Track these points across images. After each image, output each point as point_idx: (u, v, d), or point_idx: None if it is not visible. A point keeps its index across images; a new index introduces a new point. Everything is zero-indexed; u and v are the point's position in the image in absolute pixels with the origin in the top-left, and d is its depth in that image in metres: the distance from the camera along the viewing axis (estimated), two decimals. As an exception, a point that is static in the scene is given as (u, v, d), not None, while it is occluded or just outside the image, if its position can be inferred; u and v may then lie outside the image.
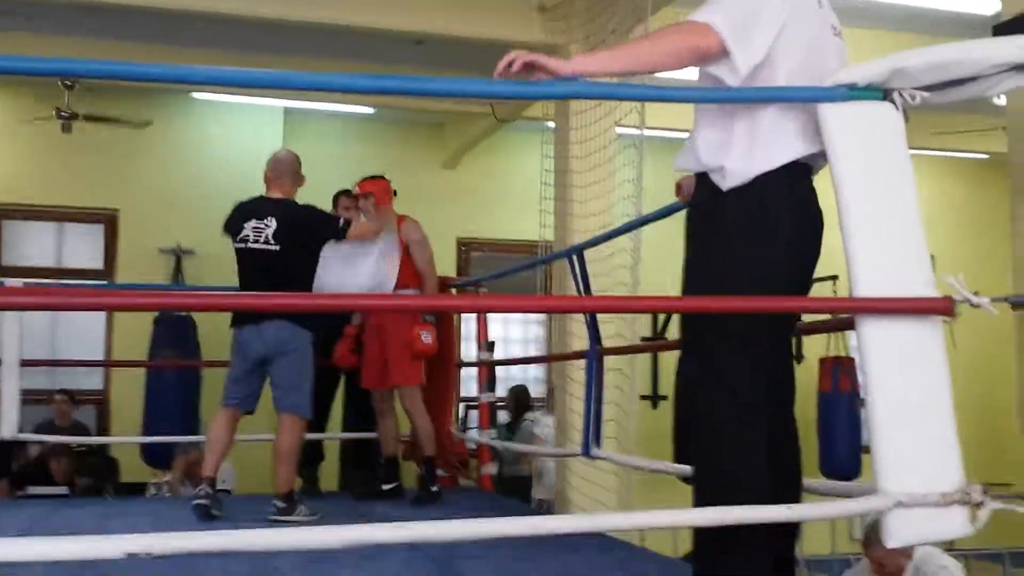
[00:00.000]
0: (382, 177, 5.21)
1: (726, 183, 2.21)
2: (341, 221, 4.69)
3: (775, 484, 2.17)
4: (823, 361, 8.28)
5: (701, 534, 2.23)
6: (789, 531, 2.33)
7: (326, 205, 6.12)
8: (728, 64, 2.15)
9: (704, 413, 2.23)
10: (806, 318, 3.17)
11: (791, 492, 2.27)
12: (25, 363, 5.30)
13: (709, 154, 2.25)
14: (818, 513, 2.24)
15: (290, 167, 4.68)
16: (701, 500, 2.22)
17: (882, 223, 2.11)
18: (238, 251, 4.55)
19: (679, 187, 2.64)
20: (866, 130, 2.14)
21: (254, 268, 4.49)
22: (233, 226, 4.57)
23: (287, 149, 4.79)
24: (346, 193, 5.93)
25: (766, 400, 2.20)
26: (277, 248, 4.44)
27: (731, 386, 2.18)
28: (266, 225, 4.46)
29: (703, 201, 2.29)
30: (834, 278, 8.51)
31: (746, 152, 2.19)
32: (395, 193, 5.20)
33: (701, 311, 2.28)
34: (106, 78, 2.52)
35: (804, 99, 2.19)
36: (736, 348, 2.20)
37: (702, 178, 2.29)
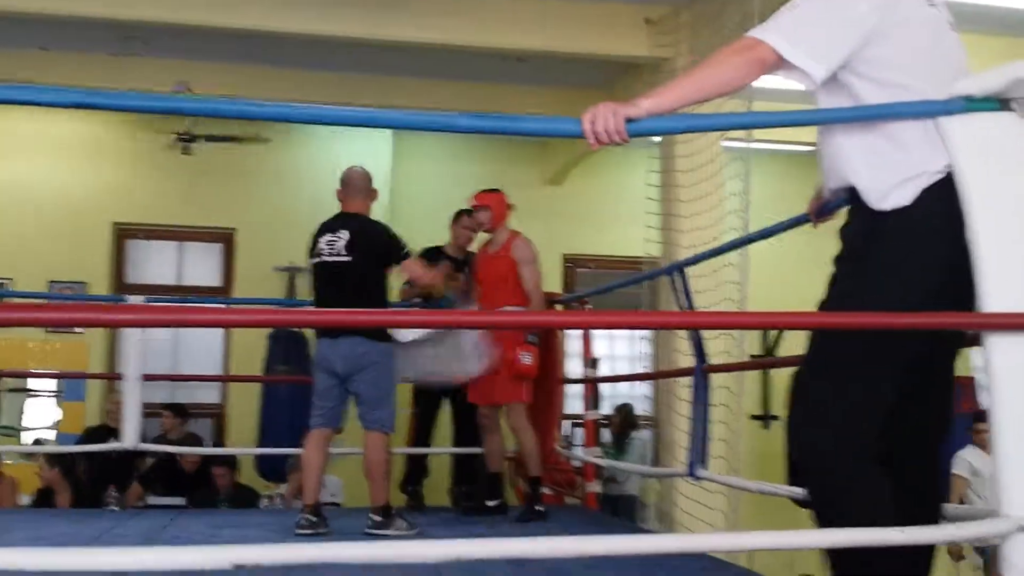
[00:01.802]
0: (499, 190, 5.23)
1: (881, 203, 2.11)
2: (405, 248, 4.65)
3: (907, 514, 2.09)
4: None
5: (838, 570, 2.17)
6: (925, 560, 2.24)
7: (434, 221, 6.21)
8: (798, 71, 2.11)
9: (807, 447, 2.15)
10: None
11: (921, 515, 2.18)
12: (147, 377, 5.50)
13: (854, 169, 2.16)
14: (934, 536, 2.14)
15: (359, 183, 4.73)
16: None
17: (1011, 238, 2.03)
18: (314, 266, 4.62)
19: (814, 201, 2.57)
20: (989, 141, 2.05)
21: (327, 281, 4.54)
22: (312, 244, 4.66)
23: (358, 166, 4.84)
24: (468, 212, 5.99)
25: (878, 429, 2.11)
26: (349, 259, 4.49)
27: (839, 417, 2.10)
28: (339, 238, 4.53)
29: (854, 221, 2.20)
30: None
31: (895, 164, 2.10)
32: (511, 207, 5.22)
33: (811, 327, 2.21)
34: (227, 116, 2.62)
35: (918, 115, 2.10)
36: (843, 369, 2.12)
37: (853, 193, 2.20)
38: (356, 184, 4.72)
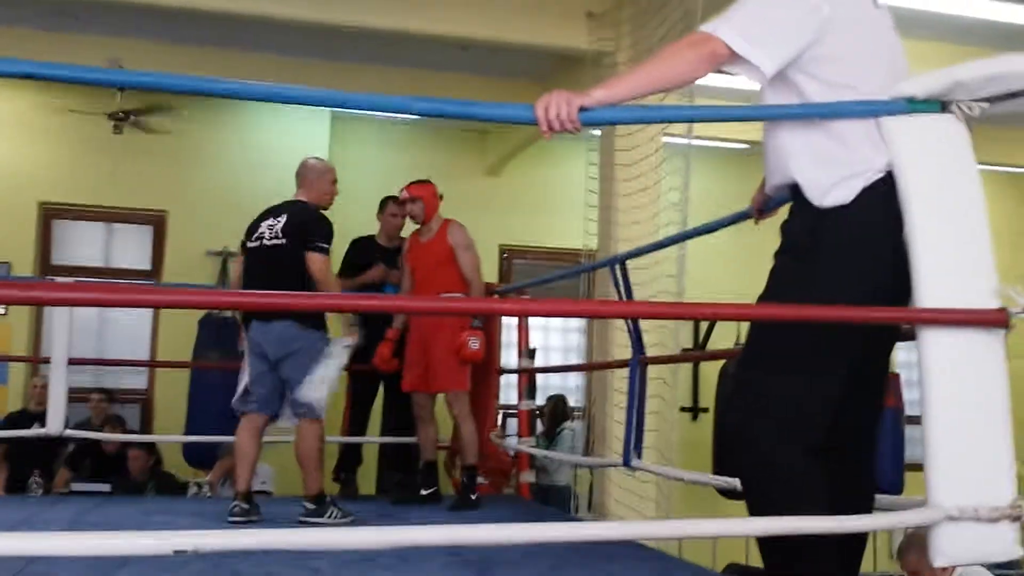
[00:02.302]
0: (429, 181, 5.22)
1: (823, 200, 2.16)
2: (325, 243, 4.49)
3: (841, 504, 2.14)
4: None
5: (769, 559, 2.21)
6: (856, 552, 2.29)
7: (371, 209, 6.17)
8: (748, 66, 2.14)
9: (749, 441, 2.19)
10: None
11: (855, 508, 2.22)
12: (72, 361, 5.37)
13: (797, 167, 2.20)
14: (867, 524, 2.20)
15: (304, 171, 4.69)
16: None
17: (948, 235, 2.08)
18: (251, 250, 4.57)
19: (757, 196, 2.61)
20: (930, 142, 2.11)
21: (262, 264, 4.50)
22: (251, 227, 4.60)
23: (313, 156, 4.79)
24: (393, 199, 5.95)
25: (817, 416, 2.16)
26: (283, 242, 4.46)
27: (780, 412, 2.14)
28: (277, 222, 4.51)
29: (797, 218, 2.24)
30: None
31: (837, 161, 2.14)
32: (441, 197, 5.21)
33: (748, 319, 2.25)
34: (169, 91, 2.55)
35: (861, 114, 2.15)
36: (786, 361, 2.16)
37: (795, 189, 2.23)
38: (302, 172, 4.69)
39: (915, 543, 4.22)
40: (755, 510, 2.20)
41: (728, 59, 2.13)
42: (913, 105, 2.11)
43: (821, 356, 2.16)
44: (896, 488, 7.41)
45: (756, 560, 2.37)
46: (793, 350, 2.17)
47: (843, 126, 2.15)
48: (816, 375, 2.15)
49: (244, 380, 4.61)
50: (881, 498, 2.90)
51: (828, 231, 2.15)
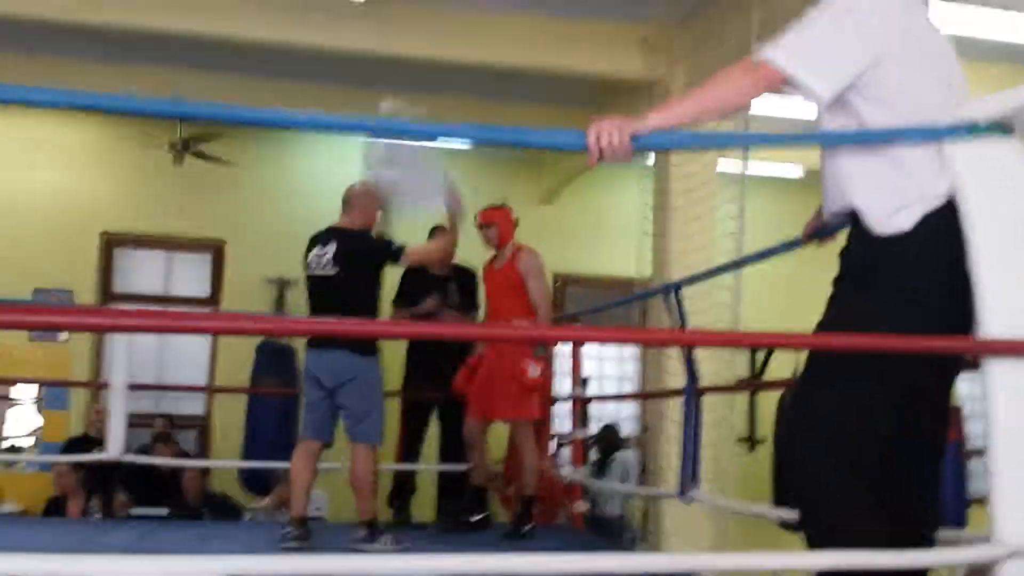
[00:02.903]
0: (504, 206, 5.22)
1: (883, 227, 2.12)
2: (396, 244, 4.59)
3: (900, 537, 2.08)
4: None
5: None
6: None
7: (424, 238, 6.18)
8: (804, 90, 2.11)
9: (799, 462, 2.17)
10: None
11: (915, 543, 2.17)
12: (133, 387, 5.45)
13: (857, 192, 2.16)
14: (929, 559, 2.14)
15: (357, 198, 4.71)
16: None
17: (1012, 263, 2.04)
18: (307, 280, 4.62)
19: (812, 222, 2.58)
20: (993, 167, 2.07)
21: (317, 294, 4.54)
22: (304, 257, 4.65)
23: (358, 182, 4.83)
24: (440, 228, 5.98)
25: (872, 448, 2.12)
26: (335, 272, 4.48)
27: (832, 433, 2.11)
28: (326, 251, 4.53)
29: (855, 244, 2.20)
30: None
31: (899, 188, 2.11)
32: (517, 223, 5.21)
33: (803, 347, 2.21)
34: (231, 123, 2.59)
35: (924, 139, 2.11)
36: (842, 392, 2.13)
37: (853, 216, 2.20)
38: (348, 199, 4.72)
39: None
40: (809, 540, 2.16)
41: (782, 83, 2.11)
42: (976, 130, 2.06)
43: (874, 380, 2.12)
44: (959, 522, 7.24)
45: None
46: (846, 372, 2.13)
47: (904, 152, 2.12)
48: (867, 397, 2.11)
49: None
50: (943, 533, 2.82)
51: (888, 258, 2.11)
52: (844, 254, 2.24)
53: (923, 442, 2.25)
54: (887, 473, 2.15)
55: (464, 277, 5.98)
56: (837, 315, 2.20)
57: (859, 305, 2.16)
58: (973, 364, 2.15)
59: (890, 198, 2.12)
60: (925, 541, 2.22)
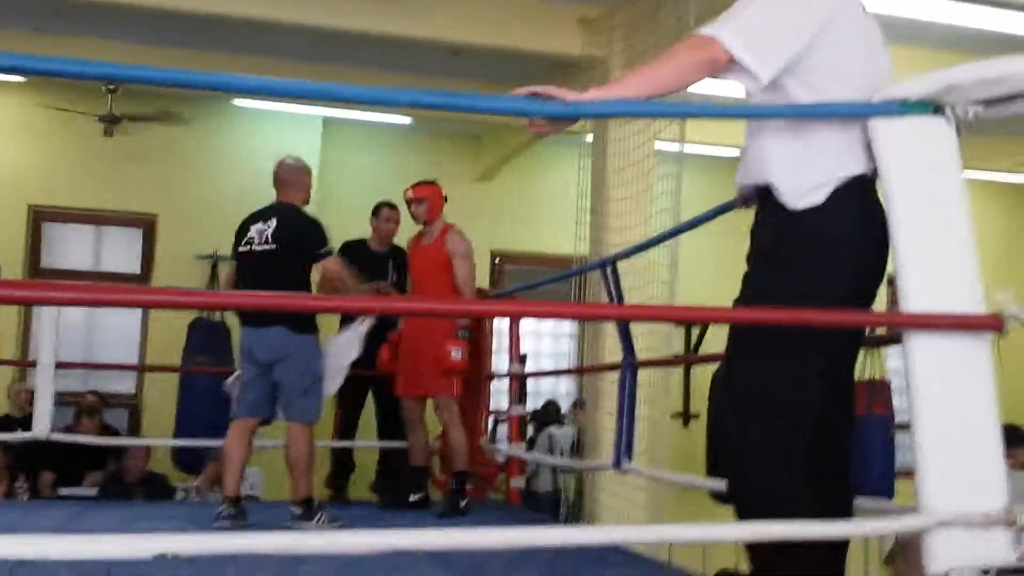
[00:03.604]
0: (435, 183, 5.20)
1: (796, 203, 2.17)
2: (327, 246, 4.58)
3: (827, 508, 2.13)
4: (857, 384, 8.18)
5: (756, 562, 2.21)
6: (839, 557, 2.28)
7: (363, 213, 6.15)
8: (745, 73, 2.13)
9: (726, 435, 2.23)
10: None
11: (838, 513, 2.22)
12: (60, 365, 5.34)
13: (775, 170, 2.21)
14: (857, 530, 2.18)
15: (286, 175, 4.66)
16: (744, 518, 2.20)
17: (933, 239, 2.08)
18: (241, 255, 4.56)
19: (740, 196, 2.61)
20: (919, 145, 2.11)
21: (253, 269, 4.50)
22: (240, 233, 4.58)
23: (291, 157, 4.77)
24: (388, 204, 5.94)
25: (802, 419, 2.16)
26: (274, 248, 4.44)
27: (758, 406, 2.16)
28: (267, 227, 4.49)
29: (767, 220, 2.26)
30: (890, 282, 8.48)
31: (816, 167, 2.16)
32: (446, 199, 5.20)
33: (738, 322, 2.24)
34: (158, 84, 2.52)
35: (853, 115, 2.16)
36: (769, 365, 2.18)
37: (764, 192, 2.25)
38: (283, 176, 4.67)
39: (904, 550, 4.21)
40: (741, 513, 2.20)
41: (727, 65, 2.12)
42: (905, 107, 2.10)
43: (797, 352, 2.17)
44: (887, 494, 7.43)
45: (747, 566, 2.36)
46: (769, 345, 2.18)
47: (823, 135, 2.17)
48: (791, 369, 2.16)
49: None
50: (872, 503, 2.89)
51: (798, 232, 2.17)
52: (755, 230, 2.30)
53: (842, 413, 2.30)
54: (814, 444, 2.19)
55: (401, 257, 5.96)
56: (754, 291, 2.25)
57: (773, 278, 2.20)
58: (894, 339, 2.20)
59: (806, 176, 2.16)
60: (847, 513, 2.27)
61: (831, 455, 2.26)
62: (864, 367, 8.17)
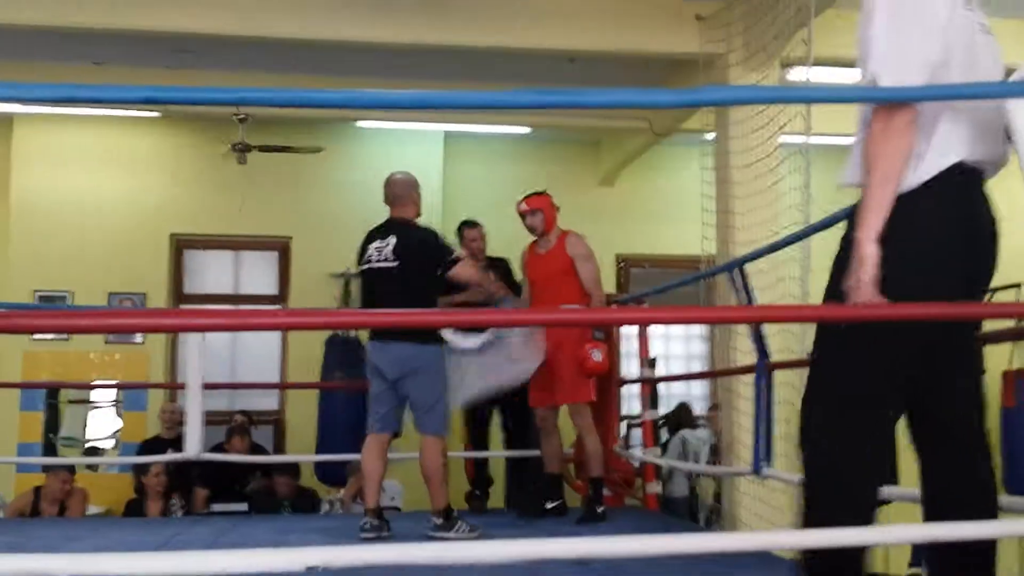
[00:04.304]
0: (545, 193, 5.23)
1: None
2: (453, 254, 4.67)
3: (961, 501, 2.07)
4: (1007, 375, 7.81)
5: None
6: (982, 552, 2.19)
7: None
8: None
9: (804, 430, 2.29)
10: (988, 325, 2.97)
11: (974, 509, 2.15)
12: (207, 386, 5.56)
13: (863, 169, 2.20)
14: (1012, 530, 2.09)
15: (396, 189, 4.73)
16: (805, 500, 2.25)
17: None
18: (363, 273, 4.66)
19: None
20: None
21: (376, 286, 4.58)
22: (360, 250, 4.68)
23: (399, 172, 4.85)
24: (468, 224, 6.00)
25: (879, 406, 2.18)
26: (396, 264, 4.51)
27: (832, 386, 2.22)
28: (386, 243, 4.56)
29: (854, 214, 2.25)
30: (1017, 286, 8.07)
31: (922, 159, 2.14)
32: (558, 208, 5.22)
33: (873, 319, 2.18)
34: (283, 106, 2.62)
35: (988, 95, 2.07)
36: (848, 352, 2.22)
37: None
38: (394, 191, 4.74)
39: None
40: (805, 504, 2.24)
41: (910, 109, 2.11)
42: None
43: (889, 333, 2.16)
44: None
45: (896, 568, 2.29)
46: (851, 339, 2.19)
47: (928, 124, 2.14)
48: (881, 350, 2.16)
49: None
50: (1013, 501, 2.76)
51: (892, 218, 2.12)
52: (852, 216, 2.27)
53: (953, 406, 2.26)
54: (875, 434, 2.19)
55: (500, 267, 6.00)
56: (832, 280, 2.25)
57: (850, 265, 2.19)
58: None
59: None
60: (985, 506, 2.21)
61: (953, 439, 2.24)
62: (1012, 358, 7.83)
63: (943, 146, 2.15)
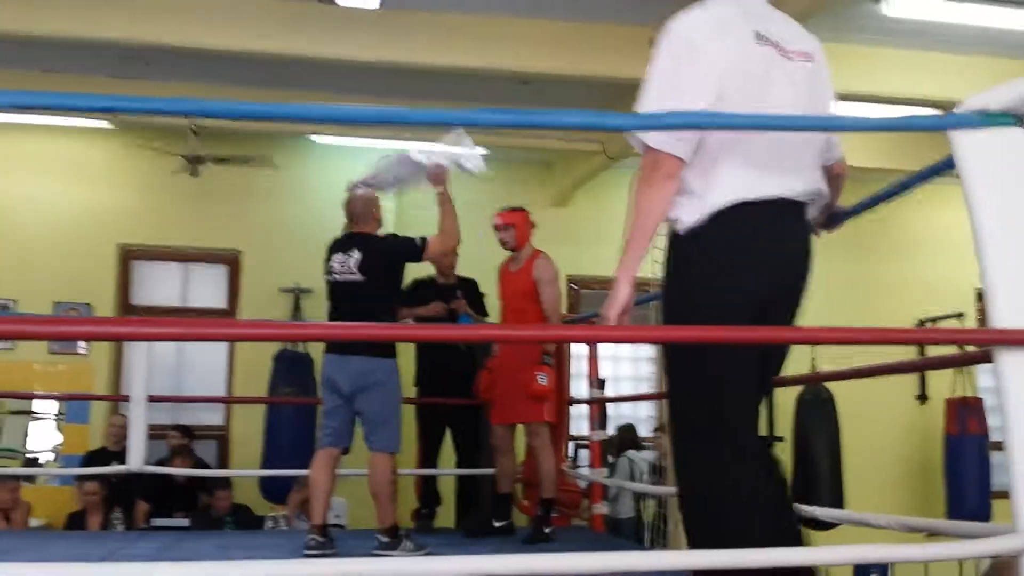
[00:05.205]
0: (523, 209, 5.25)
1: (680, 230, 2.38)
2: (418, 239, 4.64)
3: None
4: (950, 402, 7.98)
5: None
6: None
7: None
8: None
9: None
10: (933, 352, 3.03)
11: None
12: (152, 399, 5.49)
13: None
14: (951, 553, 2.14)
15: (359, 207, 4.73)
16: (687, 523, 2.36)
17: (1020, 252, 2.04)
18: (328, 284, 4.65)
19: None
20: (1000, 157, 2.07)
21: (340, 300, 4.58)
22: (325, 261, 4.69)
23: (360, 188, 4.84)
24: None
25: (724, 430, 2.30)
26: (360, 279, 4.52)
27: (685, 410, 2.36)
28: (350, 257, 4.56)
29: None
30: (959, 315, 8.26)
31: (691, 202, 2.34)
32: (534, 225, 5.24)
33: (825, 341, 2.22)
34: (237, 118, 2.62)
35: (932, 128, 2.14)
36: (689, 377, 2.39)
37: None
38: (355, 208, 4.74)
39: (1001, 572, 4.08)
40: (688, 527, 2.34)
41: (679, 164, 2.29)
42: (987, 119, 2.07)
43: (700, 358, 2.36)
44: (983, 518, 7.22)
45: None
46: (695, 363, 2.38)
47: (708, 164, 2.31)
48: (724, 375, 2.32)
49: None
50: (968, 525, 2.82)
51: (678, 254, 2.42)
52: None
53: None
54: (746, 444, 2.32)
55: (468, 287, 6.03)
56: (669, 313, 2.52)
57: (676, 300, 2.46)
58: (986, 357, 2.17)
59: (686, 210, 2.37)
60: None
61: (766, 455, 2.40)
62: (955, 386, 8.01)
63: (723, 185, 2.28)
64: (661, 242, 2.47)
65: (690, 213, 2.32)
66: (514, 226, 5.14)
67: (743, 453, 2.29)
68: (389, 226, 4.92)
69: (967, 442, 7.62)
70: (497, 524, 5.16)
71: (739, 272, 2.30)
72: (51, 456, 7.83)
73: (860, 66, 6.07)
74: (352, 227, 4.74)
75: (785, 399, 7.58)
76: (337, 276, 4.57)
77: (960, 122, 2.10)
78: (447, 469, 6.13)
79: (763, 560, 2.03)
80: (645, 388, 8.90)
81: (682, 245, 2.37)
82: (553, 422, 5.12)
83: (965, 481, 7.55)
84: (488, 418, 5.35)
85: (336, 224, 4.86)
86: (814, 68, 2.41)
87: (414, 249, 4.60)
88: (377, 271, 4.53)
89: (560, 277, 5.30)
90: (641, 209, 2.32)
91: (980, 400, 7.90)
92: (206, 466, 7.32)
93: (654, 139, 2.29)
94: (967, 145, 2.09)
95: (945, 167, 2.26)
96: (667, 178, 2.29)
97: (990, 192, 2.07)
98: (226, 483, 6.90)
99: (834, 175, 2.53)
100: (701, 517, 2.29)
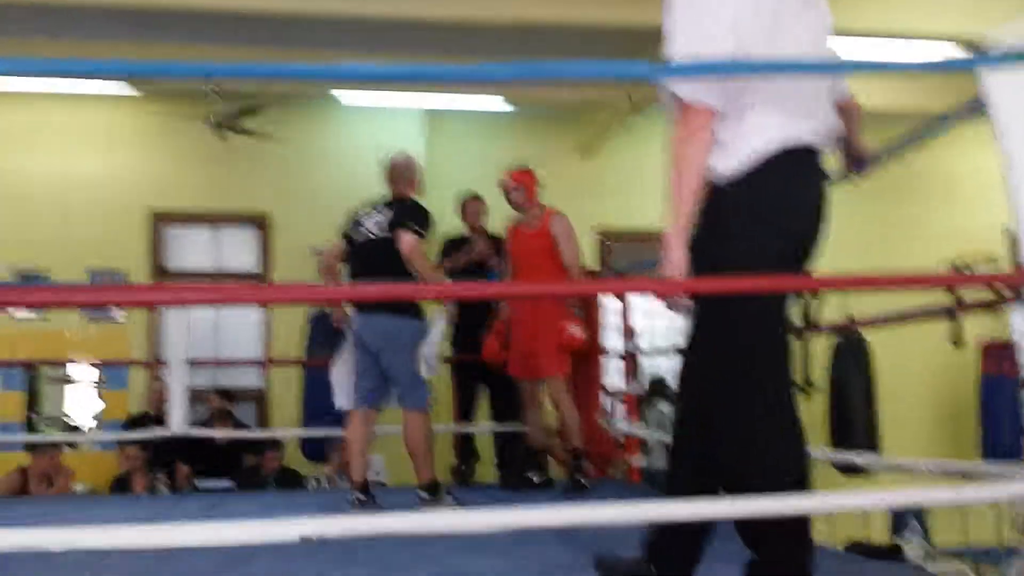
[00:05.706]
0: (528, 168, 5.26)
1: (716, 180, 2.34)
2: (419, 228, 4.56)
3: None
4: (987, 346, 7.95)
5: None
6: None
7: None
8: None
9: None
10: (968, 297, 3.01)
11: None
12: (190, 363, 5.57)
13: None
14: (980, 495, 2.15)
15: (398, 171, 4.75)
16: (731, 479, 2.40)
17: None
18: (358, 243, 4.66)
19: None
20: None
21: (366, 257, 4.61)
22: (352, 220, 4.70)
23: (401, 153, 4.86)
24: (472, 198, 6.03)
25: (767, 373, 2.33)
26: (390, 236, 4.53)
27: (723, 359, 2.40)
28: (383, 217, 4.59)
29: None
30: (994, 260, 8.17)
31: (728, 151, 2.32)
32: (542, 184, 5.25)
33: (857, 288, 2.22)
34: (259, 76, 2.62)
35: (960, 67, 2.11)
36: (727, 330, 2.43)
37: None
38: (396, 172, 4.77)
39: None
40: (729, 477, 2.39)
41: (710, 114, 2.28)
42: (1013, 57, 2.04)
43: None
44: (1017, 457, 7.20)
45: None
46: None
47: (745, 111, 2.31)
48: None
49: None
50: (997, 467, 2.82)
51: (717, 203, 2.35)
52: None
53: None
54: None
55: (498, 243, 6.05)
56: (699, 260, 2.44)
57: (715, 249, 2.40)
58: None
59: (724, 159, 2.35)
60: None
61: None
62: (990, 330, 7.95)
63: (756, 132, 2.28)
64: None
65: (724, 162, 2.31)
66: (523, 185, 5.15)
67: (787, 391, 2.34)
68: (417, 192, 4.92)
69: (1005, 383, 7.60)
70: (535, 478, 5.21)
71: (783, 219, 2.31)
72: (92, 423, 7.95)
73: (875, 3, 5.97)
74: (391, 191, 4.77)
75: (820, 347, 7.55)
76: (372, 235, 4.60)
77: (986, 61, 2.07)
78: (481, 425, 6.18)
79: (797, 507, 2.05)
80: (679, 340, 8.88)
81: (719, 195, 2.33)
82: (566, 374, 5.14)
83: (1000, 422, 7.53)
84: (501, 377, 5.38)
85: (363, 184, 4.89)
86: (817, 5, 2.41)
87: (409, 224, 4.53)
88: (400, 226, 4.55)
89: (583, 231, 5.32)
90: (681, 165, 2.30)
91: (1013, 344, 7.85)
92: (246, 428, 7.41)
93: (685, 91, 2.28)
94: (998, 84, 2.06)
95: (974, 109, 2.23)
96: (702, 129, 2.28)
97: (1019, 128, 2.04)
98: (275, 444, 6.99)
99: (847, 111, 2.52)
100: (745, 456, 2.30)
